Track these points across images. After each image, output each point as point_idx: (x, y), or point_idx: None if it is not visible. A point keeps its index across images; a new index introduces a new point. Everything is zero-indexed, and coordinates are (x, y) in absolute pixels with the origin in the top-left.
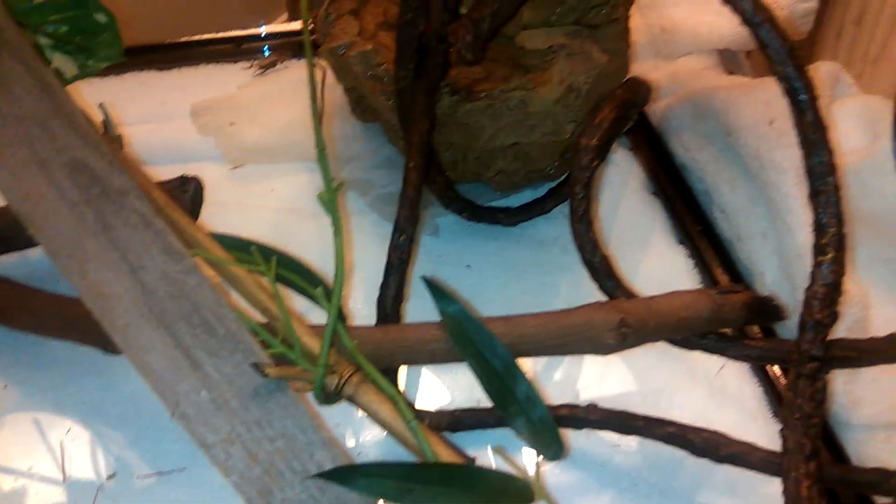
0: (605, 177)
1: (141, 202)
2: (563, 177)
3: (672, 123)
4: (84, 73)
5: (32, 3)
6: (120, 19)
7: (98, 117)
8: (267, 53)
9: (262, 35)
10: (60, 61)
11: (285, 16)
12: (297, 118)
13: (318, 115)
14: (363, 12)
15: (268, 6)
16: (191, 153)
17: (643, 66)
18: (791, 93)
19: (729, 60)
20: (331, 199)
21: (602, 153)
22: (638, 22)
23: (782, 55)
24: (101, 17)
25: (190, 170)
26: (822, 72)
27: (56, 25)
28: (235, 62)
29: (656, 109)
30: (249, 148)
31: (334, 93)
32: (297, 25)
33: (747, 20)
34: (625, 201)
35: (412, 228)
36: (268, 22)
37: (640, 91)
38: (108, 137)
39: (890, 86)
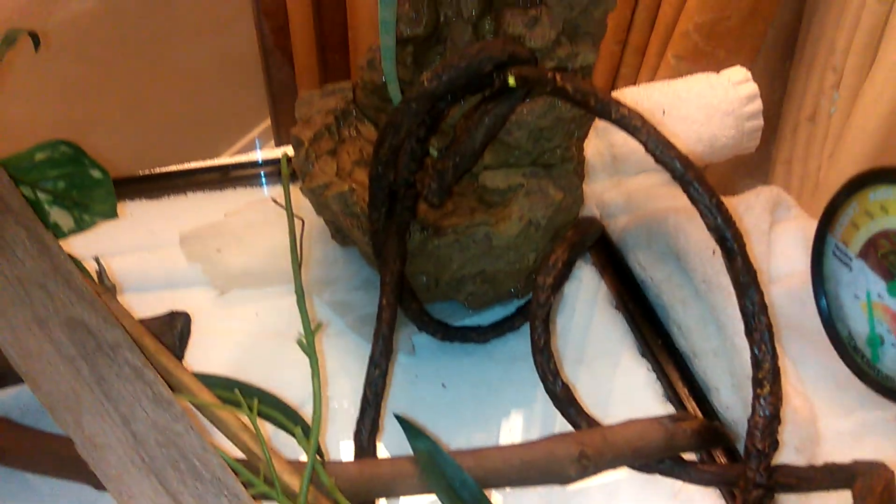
0: (569, 291)
1: (133, 354)
2: (530, 295)
3: (629, 242)
4: (80, 228)
5: (33, 161)
6: (113, 152)
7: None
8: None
9: (250, 163)
10: (58, 215)
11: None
12: (282, 244)
13: (297, 264)
14: (340, 150)
15: (251, 114)
16: (180, 280)
17: (600, 185)
18: (721, 241)
19: None
20: (310, 343)
21: (557, 289)
22: (594, 142)
23: (712, 209)
24: (95, 174)
25: (179, 296)
26: (763, 197)
27: (54, 181)
28: (223, 190)
29: (615, 227)
30: (235, 274)
31: (315, 218)
32: (284, 151)
33: (678, 178)
34: (589, 315)
35: (386, 363)
36: (249, 130)
37: (589, 231)
38: (103, 287)
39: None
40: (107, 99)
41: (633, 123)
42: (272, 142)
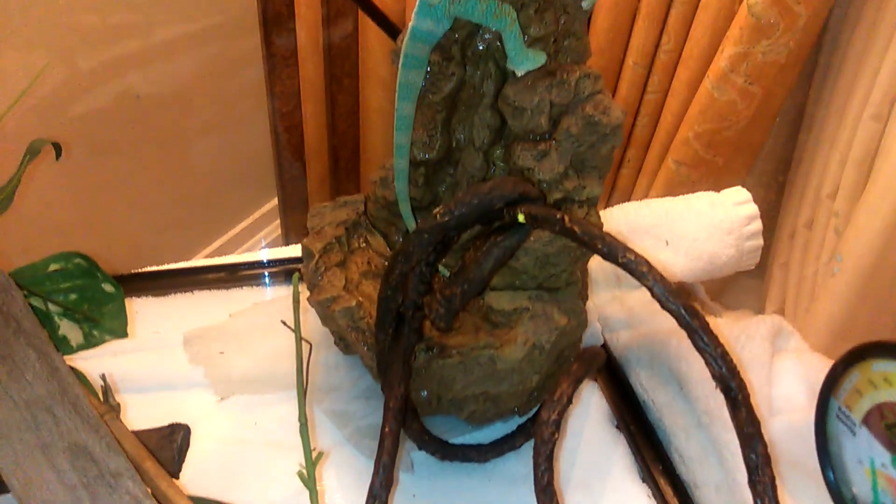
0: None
1: (134, 483)
2: (532, 412)
3: (631, 360)
4: (88, 344)
5: (46, 272)
6: (123, 246)
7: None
8: (268, 282)
9: (256, 262)
10: (67, 328)
11: (275, 201)
12: (285, 348)
13: (302, 394)
14: (349, 262)
15: (257, 194)
16: (182, 382)
17: (602, 297)
18: (726, 391)
19: (686, 289)
20: (310, 475)
21: (561, 423)
22: (597, 258)
23: (717, 359)
24: (108, 287)
25: (180, 399)
26: (765, 326)
27: (66, 293)
28: (229, 289)
29: (617, 342)
30: (236, 380)
31: (319, 324)
32: (290, 251)
33: (683, 326)
34: (589, 433)
35: (386, 494)
36: (256, 209)
37: (594, 363)
38: (107, 407)
39: (843, 288)
40: (119, 193)
41: (640, 269)
42: (279, 231)
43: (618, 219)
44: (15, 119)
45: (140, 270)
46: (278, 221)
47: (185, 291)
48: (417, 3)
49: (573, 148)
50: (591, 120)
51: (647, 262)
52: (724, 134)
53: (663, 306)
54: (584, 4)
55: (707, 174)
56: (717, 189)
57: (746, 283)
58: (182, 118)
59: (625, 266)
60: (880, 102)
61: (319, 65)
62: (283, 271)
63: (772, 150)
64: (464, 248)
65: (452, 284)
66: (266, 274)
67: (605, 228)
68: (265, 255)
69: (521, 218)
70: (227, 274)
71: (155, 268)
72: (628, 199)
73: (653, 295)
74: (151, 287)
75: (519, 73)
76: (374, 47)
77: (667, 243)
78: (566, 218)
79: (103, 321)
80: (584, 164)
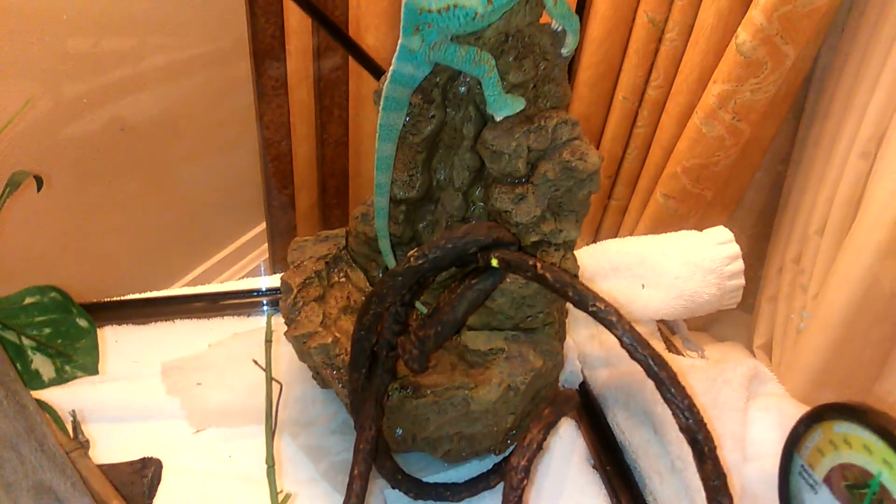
0: (548, 445)
1: None
2: (508, 451)
3: (608, 399)
4: (61, 379)
5: (22, 305)
6: (106, 272)
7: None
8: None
9: (238, 292)
10: (40, 363)
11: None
12: (262, 381)
13: (270, 436)
14: (328, 296)
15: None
16: (157, 413)
17: (582, 335)
18: (693, 443)
19: (667, 325)
20: None
21: (530, 469)
22: None
23: (684, 411)
24: (82, 322)
25: (156, 430)
26: (741, 371)
27: (40, 328)
28: (209, 318)
29: (595, 380)
30: (212, 411)
31: (296, 359)
32: (271, 281)
33: (652, 376)
34: (566, 473)
35: None
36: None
37: (565, 407)
38: (76, 443)
39: (829, 318)
40: (104, 220)
41: (609, 318)
42: (266, 256)
43: (600, 256)
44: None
45: (122, 298)
46: (265, 247)
47: (166, 320)
48: (398, 48)
49: (550, 192)
50: (568, 166)
51: (617, 312)
52: (712, 169)
53: (632, 356)
54: (564, 51)
55: (695, 208)
56: (705, 223)
57: (735, 316)
58: (170, 145)
59: (594, 314)
60: (868, 140)
61: (309, 94)
62: (265, 301)
63: (761, 184)
64: (442, 286)
65: (427, 326)
66: (247, 303)
67: (588, 265)
68: (246, 284)
69: (494, 263)
70: (209, 303)
71: (137, 296)
72: (617, 231)
73: (622, 344)
74: (133, 315)
75: (498, 119)
76: (367, 78)
77: (643, 286)
78: (538, 265)
79: (76, 357)
80: (562, 207)
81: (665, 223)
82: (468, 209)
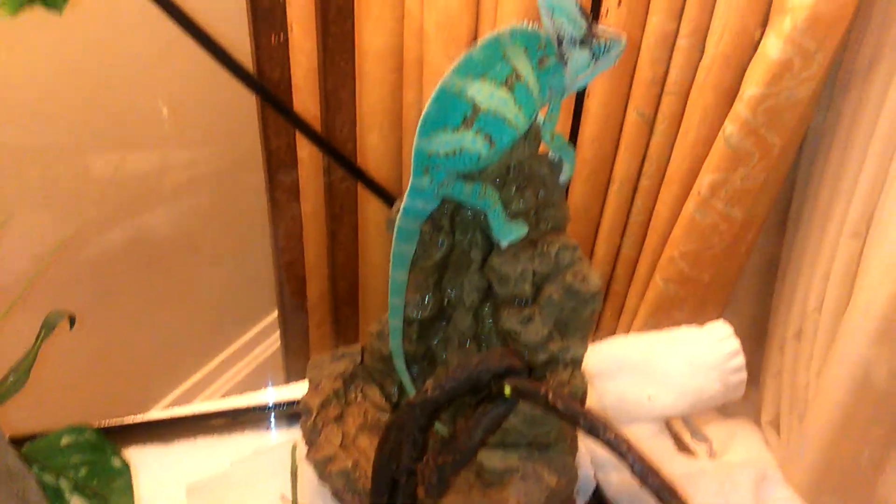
0: None
1: None
2: None
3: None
4: None
5: (59, 447)
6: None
7: None
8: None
9: (257, 407)
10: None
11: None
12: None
13: None
14: (346, 415)
15: (256, 310)
16: None
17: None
18: None
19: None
20: None
21: None
22: (588, 389)
23: None
24: (117, 462)
25: None
26: (749, 474)
27: (77, 468)
28: (231, 434)
29: (608, 483)
30: None
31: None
32: (292, 393)
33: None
34: None
35: None
36: (255, 323)
37: None
38: None
39: (834, 396)
40: (120, 325)
41: (621, 448)
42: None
43: (606, 355)
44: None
45: (144, 419)
46: (279, 346)
47: (188, 438)
48: (409, 185)
49: (556, 312)
50: (572, 288)
51: (628, 442)
52: (708, 253)
53: (643, 483)
54: (562, 179)
55: (694, 291)
56: (704, 305)
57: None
58: (185, 258)
59: (606, 443)
60: (858, 221)
61: (320, 202)
62: (285, 415)
63: (758, 265)
64: (457, 406)
65: (444, 453)
66: (266, 417)
67: (594, 364)
68: (264, 398)
69: (507, 391)
70: (230, 419)
71: (159, 415)
72: (619, 314)
73: (632, 472)
74: (155, 436)
75: (503, 245)
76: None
77: (649, 398)
78: (549, 394)
79: (112, 497)
80: (567, 326)
81: (665, 306)
82: (479, 327)
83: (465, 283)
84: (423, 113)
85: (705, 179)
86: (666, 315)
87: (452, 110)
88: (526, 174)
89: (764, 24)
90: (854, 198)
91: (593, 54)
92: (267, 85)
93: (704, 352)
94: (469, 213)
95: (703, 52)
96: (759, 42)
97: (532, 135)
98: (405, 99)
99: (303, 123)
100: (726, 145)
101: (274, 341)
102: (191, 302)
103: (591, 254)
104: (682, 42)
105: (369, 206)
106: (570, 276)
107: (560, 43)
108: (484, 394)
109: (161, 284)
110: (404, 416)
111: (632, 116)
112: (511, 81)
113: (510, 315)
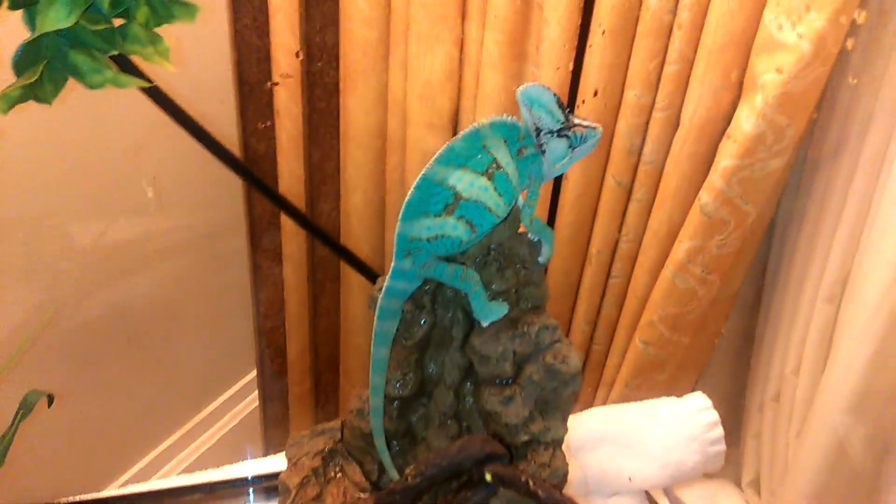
0: None
1: None
2: None
3: None
4: None
5: None
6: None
7: None
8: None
9: (235, 480)
10: None
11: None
12: None
13: None
14: (325, 494)
15: (237, 366)
16: None
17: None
18: None
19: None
20: None
21: None
22: (570, 462)
23: None
24: None
25: None
26: None
27: None
28: None
29: None
30: None
31: None
32: (271, 465)
33: None
34: None
35: None
36: (234, 382)
37: None
38: None
39: (810, 464)
40: (99, 395)
41: None
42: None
43: (587, 426)
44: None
45: (124, 493)
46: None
47: None
48: (391, 267)
49: (536, 392)
50: (552, 368)
51: None
52: (687, 317)
53: None
54: (541, 259)
55: (674, 353)
56: (684, 367)
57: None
58: (166, 325)
59: None
60: (833, 284)
61: (302, 267)
62: (262, 488)
63: (736, 328)
64: (437, 492)
65: None
66: (243, 490)
67: (575, 435)
68: (243, 471)
69: (488, 478)
70: (205, 493)
71: (136, 488)
72: (600, 374)
73: None
74: None
75: (484, 324)
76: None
77: (630, 479)
78: (531, 481)
79: None
80: (548, 405)
81: (646, 369)
82: (459, 405)
83: (447, 360)
84: (406, 199)
85: (682, 246)
86: (646, 377)
87: (434, 197)
88: (506, 254)
89: (735, 99)
90: (828, 263)
91: (570, 144)
92: (252, 154)
93: (684, 423)
94: (450, 291)
95: (678, 124)
96: (731, 115)
97: (512, 217)
98: (388, 163)
99: (288, 205)
100: (702, 214)
101: (253, 400)
102: (170, 368)
103: (571, 313)
104: (658, 115)
105: (352, 272)
106: (551, 357)
107: (538, 133)
108: (465, 479)
109: (140, 354)
110: (386, 503)
111: (610, 183)
112: (491, 171)
113: (491, 395)
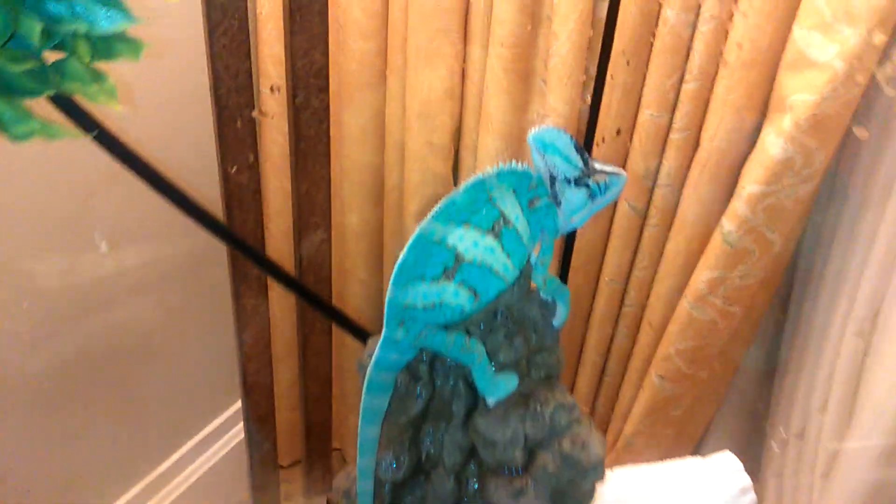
0: None
1: None
2: None
3: None
4: None
5: None
6: None
7: None
8: None
9: None
10: None
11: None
12: None
13: None
14: None
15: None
16: None
17: None
18: None
19: None
20: None
21: None
22: None
23: None
24: None
25: None
26: None
27: None
28: None
29: None
30: None
31: None
32: None
33: None
34: None
35: None
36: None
37: None
38: None
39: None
40: (73, 432)
41: None
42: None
43: (608, 489)
44: None
45: None
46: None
47: None
48: (382, 337)
49: (552, 484)
50: (570, 457)
51: None
52: (706, 350)
53: None
54: (556, 322)
55: (692, 388)
56: (701, 402)
57: None
58: (141, 359)
59: None
60: (862, 319)
61: (290, 301)
62: None
63: (756, 360)
64: None
65: None
66: None
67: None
68: None
69: None
70: None
71: None
72: (612, 409)
73: None
74: None
75: (490, 402)
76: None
77: None
78: None
79: None
80: (565, 498)
81: (661, 405)
82: (461, 490)
83: (446, 440)
84: (399, 261)
85: (703, 276)
86: (662, 413)
87: (431, 260)
88: (516, 319)
89: (760, 120)
90: (858, 294)
91: (590, 194)
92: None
93: (713, 489)
94: (450, 360)
95: (696, 145)
96: (755, 138)
97: (523, 275)
98: (387, 183)
99: (275, 268)
100: (725, 243)
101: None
102: (146, 406)
103: (581, 343)
104: (676, 136)
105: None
106: (568, 443)
107: (553, 182)
108: None
109: (112, 393)
110: None
111: (623, 208)
112: (498, 227)
113: (498, 487)
